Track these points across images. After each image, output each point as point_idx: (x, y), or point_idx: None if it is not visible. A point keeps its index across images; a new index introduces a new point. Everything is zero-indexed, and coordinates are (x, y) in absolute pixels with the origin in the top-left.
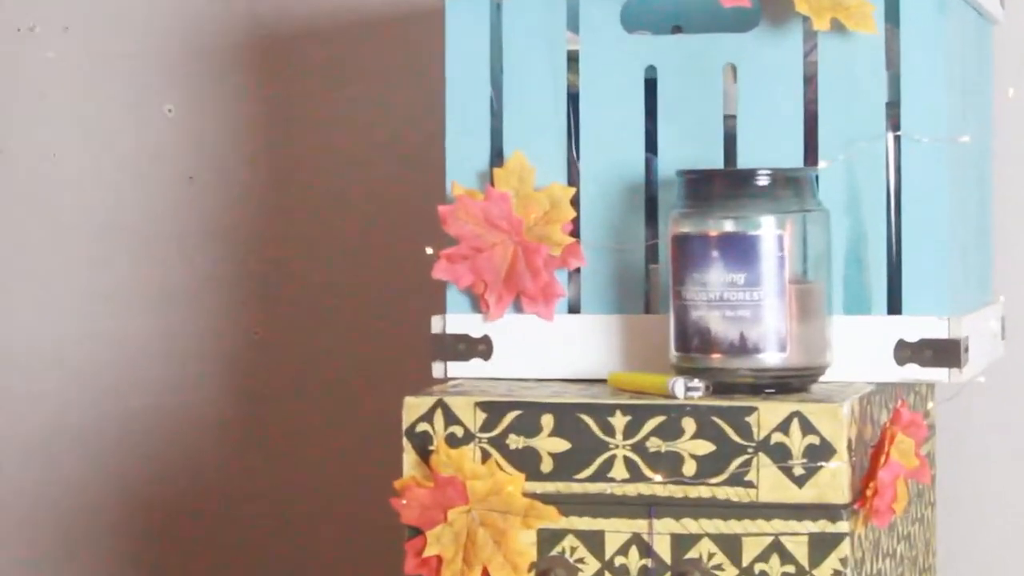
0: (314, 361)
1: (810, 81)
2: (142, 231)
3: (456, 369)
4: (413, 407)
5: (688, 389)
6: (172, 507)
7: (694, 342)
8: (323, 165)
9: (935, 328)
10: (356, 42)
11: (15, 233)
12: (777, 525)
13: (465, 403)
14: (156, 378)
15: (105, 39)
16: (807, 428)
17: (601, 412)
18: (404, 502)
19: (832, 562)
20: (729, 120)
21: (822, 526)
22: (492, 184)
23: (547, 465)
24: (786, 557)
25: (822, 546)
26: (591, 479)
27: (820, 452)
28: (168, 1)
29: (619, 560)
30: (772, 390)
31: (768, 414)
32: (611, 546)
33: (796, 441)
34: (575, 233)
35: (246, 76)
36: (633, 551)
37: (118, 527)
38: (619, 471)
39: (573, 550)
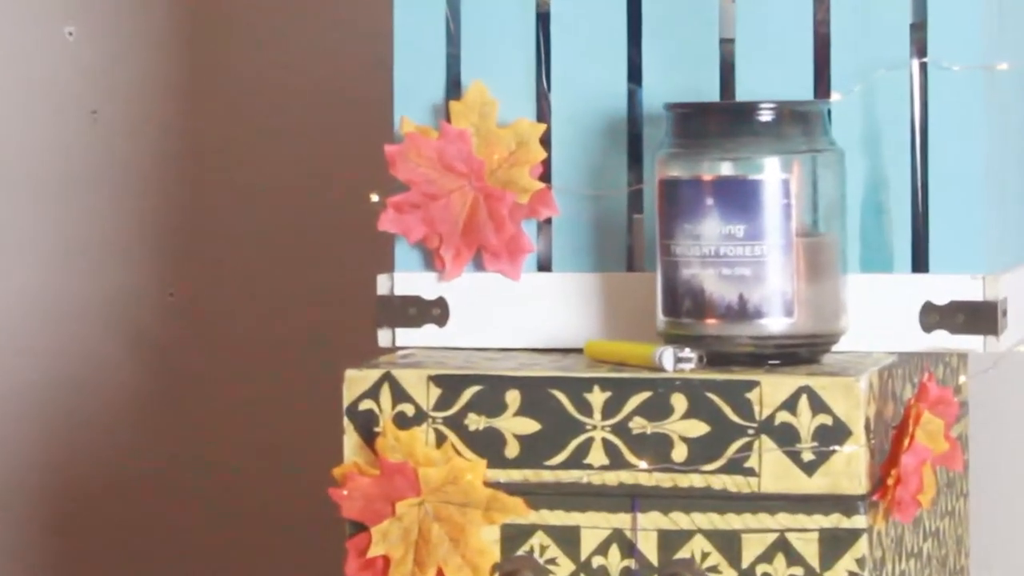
0: (239, 327)
1: (821, 1)
2: (36, 173)
3: (406, 337)
4: (355, 381)
5: (678, 360)
6: (73, 492)
7: (685, 305)
8: (251, 97)
9: (968, 288)
10: None
11: None
12: (782, 520)
13: (416, 377)
14: (52, 346)
15: None
16: (818, 406)
17: (576, 387)
18: (345, 493)
19: (847, 563)
20: (726, 45)
21: (835, 521)
22: (448, 120)
23: (513, 449)
24: (793, 557)
25: (835, 544)
26: (564, 466)
27: (833, 434)
28: None
29: (597, 560)
30: (777, 361)
31: (772, 389)
32: (588, 544)
33: (805, 421)
34: (546, 177)
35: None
36: (614, 550)
37: (14, 511)
38: (597, 456)
39: (544, 549)
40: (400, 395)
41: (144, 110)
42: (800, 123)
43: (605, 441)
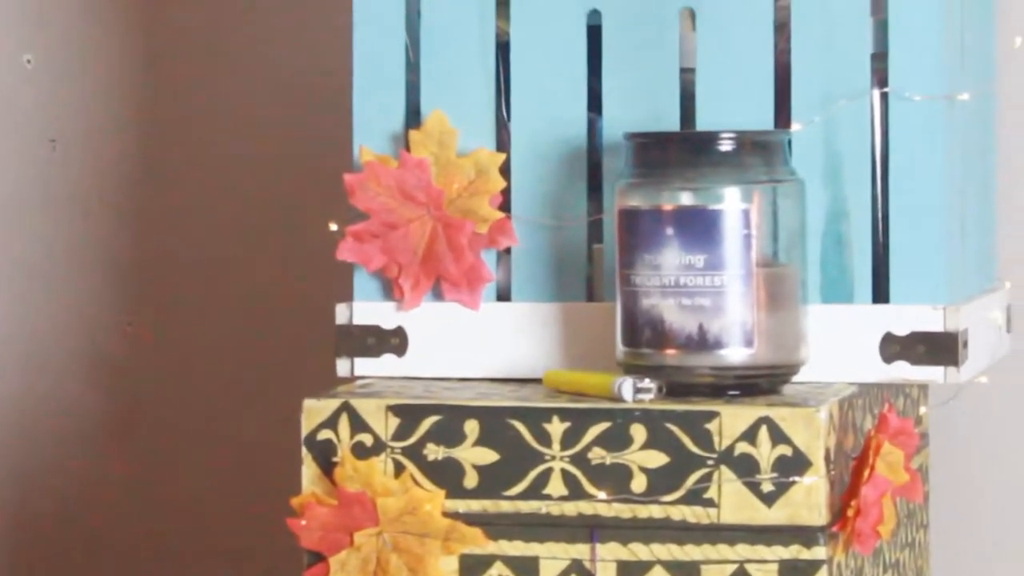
0: (198, 357)
1: (782, 28)
2: None
3: (365, 366)
4: (314, 411)
5: (637, 391)
6: (25, 526)
7: (645, 335)
8: (209, 127)
9: (928, 319)
10: None
11: None
12: (742, 551)
13: (375, 406)
14: (8, 374)
15: None
16: (777, 437)
17: (535, 417)
18: (303, 523)
19: None
20: (687, 74)
21: (795, 552)
22: (407, 149)
23: (472, 480)
24: None
25: (795, 575)
26: (523, 496)
27: (793, 465)
28: None
29: None
30: (736, 392)
31: (732, 420)
32: (547, 575)
33: (765, 452)
34: (505, 207)
35: (120, 21)
36: None
37: None
38: (556, 487)
39: None
40: (359, 425)
41: (103, 139)
42: (760, 153)
43: (564, 471)
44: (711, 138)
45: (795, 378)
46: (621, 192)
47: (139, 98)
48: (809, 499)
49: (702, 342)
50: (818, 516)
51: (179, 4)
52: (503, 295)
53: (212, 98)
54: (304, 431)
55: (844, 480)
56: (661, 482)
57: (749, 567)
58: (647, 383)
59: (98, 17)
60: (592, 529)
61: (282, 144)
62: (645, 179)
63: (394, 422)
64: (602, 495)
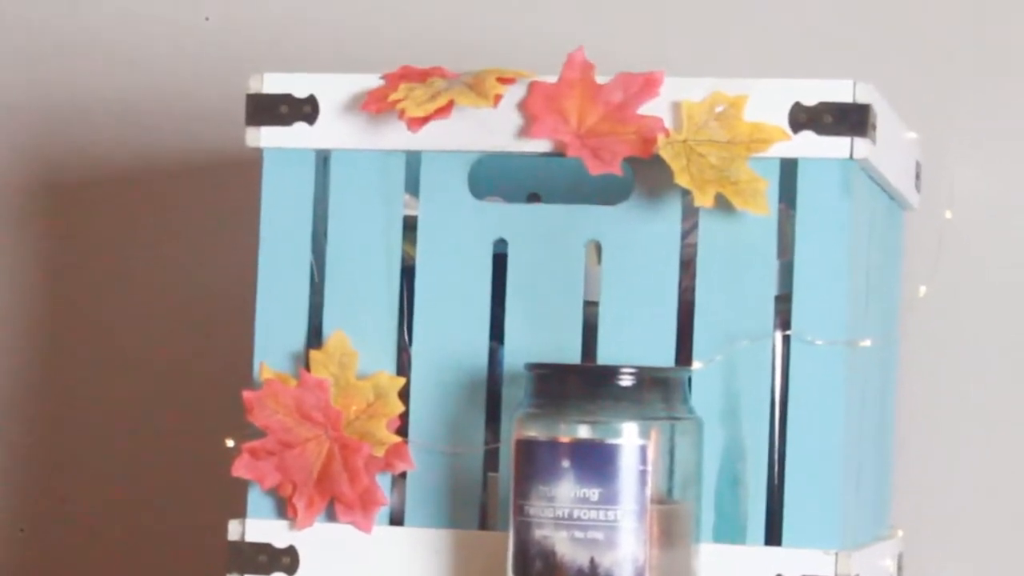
0: (83, 564)
1: (687, 266)
2: None
3: None
4: None
5: None
6: None
7: (536, 566)
8: (108, 327)
9: (820, 564)
10: (161, 191)
11: None
12: None
13: None
14: None
15: None
16: None
17: None
18: None
19: None
20: (590, 307)
21: None
22: (307, 368)
23: None
24: None
25: None
26: None
27: None
28: None
29: None
30: None
31: None
32: None
33: None
34: (402, 431)
35: (26, 225)
36: None
37: None
38: None
39: None
40: None
41: (2, 345)
42: (660, 389)
43: None
44: (611, 372)
45: None
46: (519, 422)
47: (42, 302)
48: None
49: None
50: None
51: (89, 208)
52: (396, 519)
53: (118, 300)
54: None
55: None
56: None
57: None
58: None
59: (4, 218)
60: None
61: (183, 356)
62: (543, 410)
63: None
64: None
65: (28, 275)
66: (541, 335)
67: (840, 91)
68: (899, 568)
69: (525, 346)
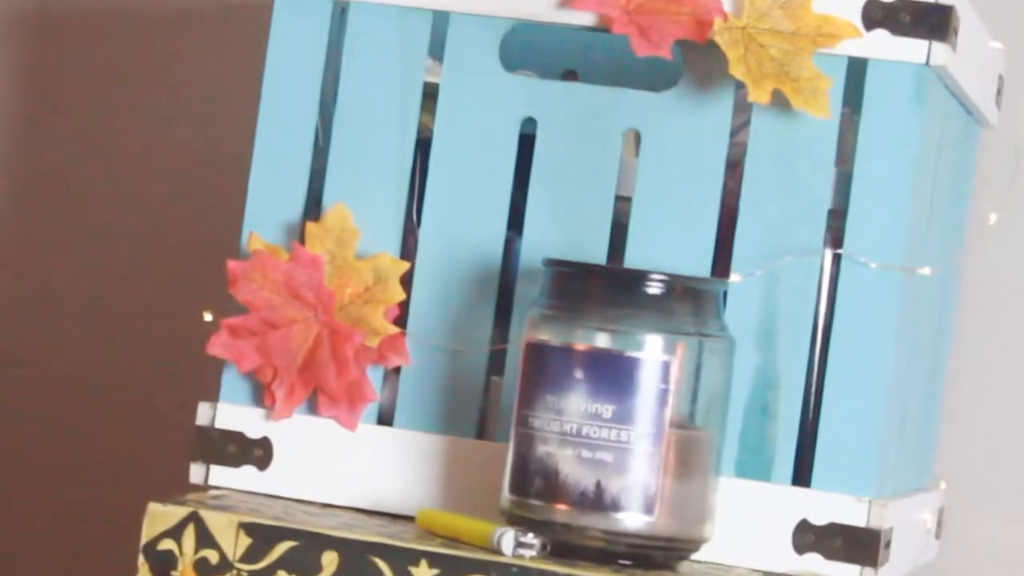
0: (34, 438)
1: (734, 167)
2: None
3: (221, 476)
4: (158, 517)
5: (519, 545)
6: None
7: (535, 484)
8: (84, 183)
9: (851, 511)
10: (157, 35)
11: None
12: None
13: (226, 522)
14: None
15: None
16: None
17: (401, 558)
18: None
19: None
20: (622, 203)
21: None
22: (302, 242)
23: None
24: None
25: None
26: None
27: None
28: None
29: None
30: (628, 562)
31: None
32: None
33: None
34: (400, 322)
35: (2, 52)
36: None
37: None
38: None
39: None
40: (205, 539)
41: None
42: (691, 301)
43: None
44: (638, 277)
45: (695, 555)
46: (531, 323)
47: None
48: None
49: (598, 501)
50: None
51: (64, 58)
52: (385, 419)
53: (93, 153)
54: (144, 538)
55: None
56: None
57: None
58: (530, 538)
59: None
60: None
61: (164, 216)
62: (560, 312)
63: (245, 542)
64: None
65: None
66: (564, 229)
67: None
68: (938, 523)
69: (545, 239)
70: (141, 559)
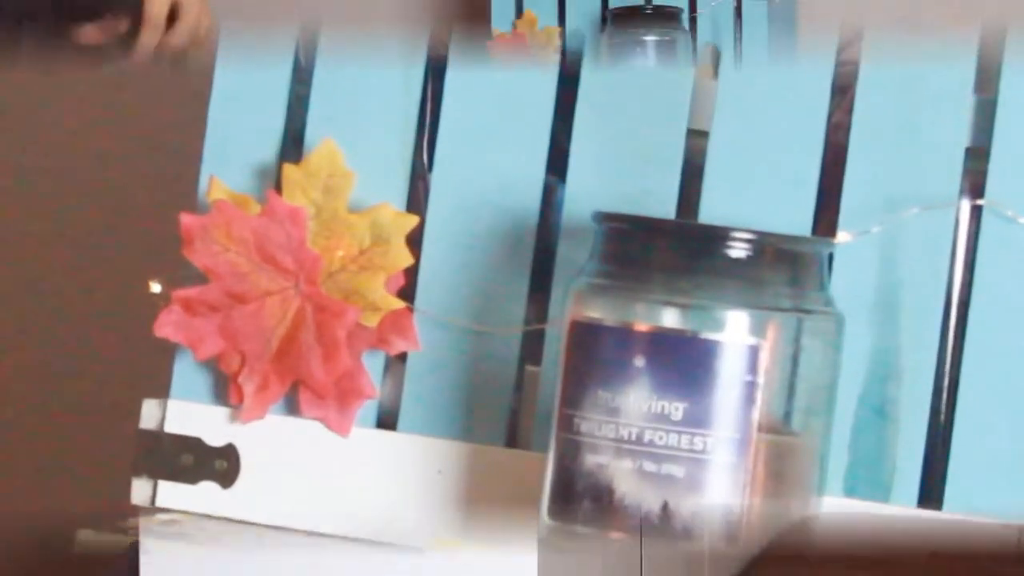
0: None
1: (842, 93)
2: None
3: (172, 495)
4: (90, 550)
5: None
6: None
7: (584, 507)
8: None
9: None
10: None
11: None
12: None
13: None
14: None
15: None
16: None
17: None
18: None
19: None
20: (696, 139)
21: None
22: (278, 190)
23: None
24: None
25: None
26: None
27: None
28: None
29: None
30: None
31: None
32: None
33: None
34: (407, 295)
35: None
36: None
37: None
38: None
39: None
40: None
41: None
42: (787, 267)
43: None
44: (717, 235)
45: None
46: (578, 296)
47: None
48: None
49: (665, 527)
50: None
51: None
52: (386, 421)
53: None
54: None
55: None
56: None
57: None
58: None
59: None
60: None
61: (101, 164)
62: (615, 281)
63: None
64: None
65: None
66: (620, 172)
67: None
68: None
69: (596, 188)
70: None
